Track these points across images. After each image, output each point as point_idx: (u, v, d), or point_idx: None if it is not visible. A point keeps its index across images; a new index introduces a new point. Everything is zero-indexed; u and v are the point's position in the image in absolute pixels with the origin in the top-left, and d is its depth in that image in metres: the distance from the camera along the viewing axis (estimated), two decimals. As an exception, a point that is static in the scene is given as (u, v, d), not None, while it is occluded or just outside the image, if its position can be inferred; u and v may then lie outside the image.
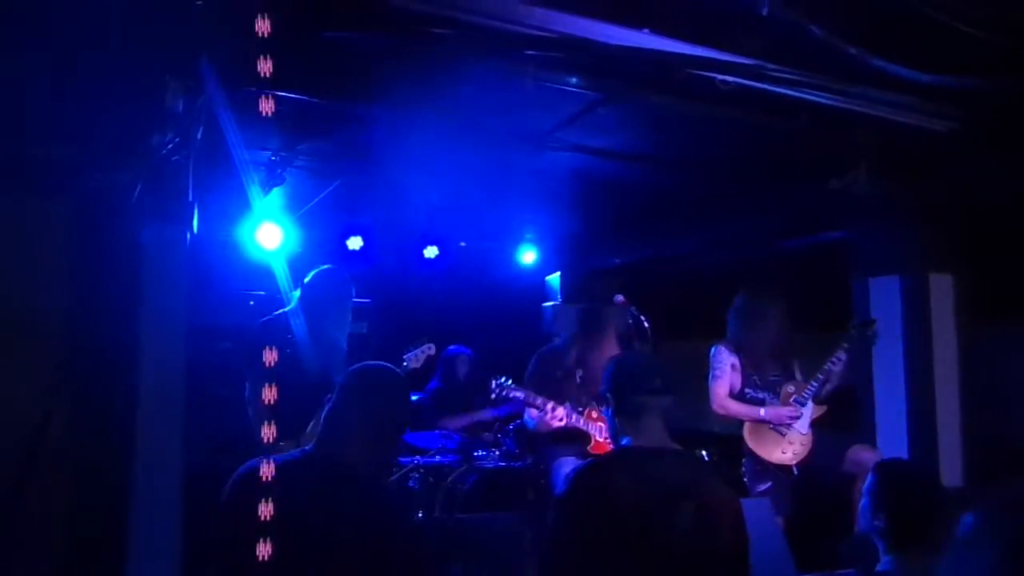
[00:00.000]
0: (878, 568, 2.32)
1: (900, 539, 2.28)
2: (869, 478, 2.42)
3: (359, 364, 2.35)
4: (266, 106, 2.31)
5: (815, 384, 4.42)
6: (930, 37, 3.03)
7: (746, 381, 4.52)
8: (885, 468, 2.46)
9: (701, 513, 2.20)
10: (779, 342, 4.50)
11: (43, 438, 2.68)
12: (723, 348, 4.56)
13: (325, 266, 4.18)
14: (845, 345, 4.46)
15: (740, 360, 4.52)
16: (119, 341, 2.81)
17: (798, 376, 4.56)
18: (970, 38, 2.94)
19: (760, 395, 4.50)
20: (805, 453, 4.39)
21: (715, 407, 4.53)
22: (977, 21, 2.84)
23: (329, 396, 2.26)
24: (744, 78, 3.21)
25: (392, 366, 2.37)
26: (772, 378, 4.52)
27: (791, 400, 4.44)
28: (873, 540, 2.36)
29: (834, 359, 4.43)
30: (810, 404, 4.44)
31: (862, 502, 2.40)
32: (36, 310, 2.75)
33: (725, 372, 4.52)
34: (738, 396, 4.51)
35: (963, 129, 3.81)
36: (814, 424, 4.44)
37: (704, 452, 5.41)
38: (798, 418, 4.40)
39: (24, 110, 2.67)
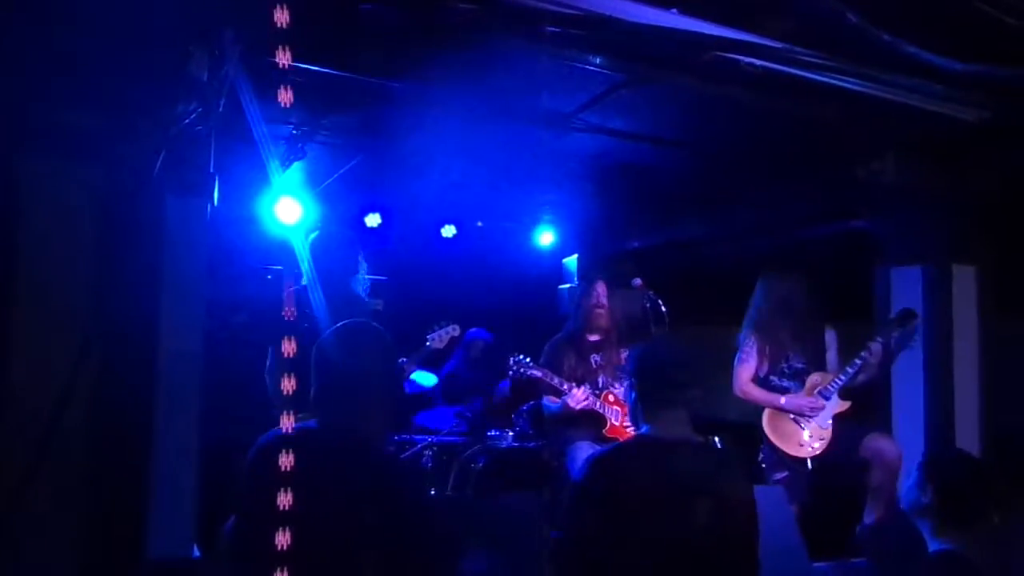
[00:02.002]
0: (929, 550, 2.29)
1: (947, 516, 2.25)
2: (921, 458, 2.40)
3: (331, 329, 2.25)
4: (288, 79, 2.29)
5: (843, 378, 4.29)
6: (965, 25, 2.97)
7: (772, 368, 4.44)
8: (935, 449, 2.50)
9: (715, 508, 2.22)
10: (800, 326, 4.40)
11: (65, 406, 2.70)
12: (752, 332, 4.49)
13: (316, 232, 4.16)
14: (879, 338, 4.34)
15: (768, 346, 4.43)
16: (140, 311, 2.82)
17: (829, 368, 4.44)
18: (1007, 27, 2.88)
19: (785, 383, 4.42)
20: (823, 448, 4.28)
21: (736, 391, 4.47)
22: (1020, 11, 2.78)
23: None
24: (773, 62, 3.16)
25: (365, 321, 2.31)
26: (799, 367, 4.43)
27: (815, 392, 4.34)
28: (897, 525, 2.35)
29: (865, 352, 4.29)
30: (834, 398, 4.32)
31: (908, 481, 2.37)
32: (60, 278, 2.76)
33: (751, 356, 4.45)
34: (762, 382, 4.44)
35: (994, 119, 3.75)
36: (836, 418, 4.32)
37: (716, 439, 5.39)
38: (819, 411, 4.30)
39: (52, 77, 2.66)
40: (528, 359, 4.49)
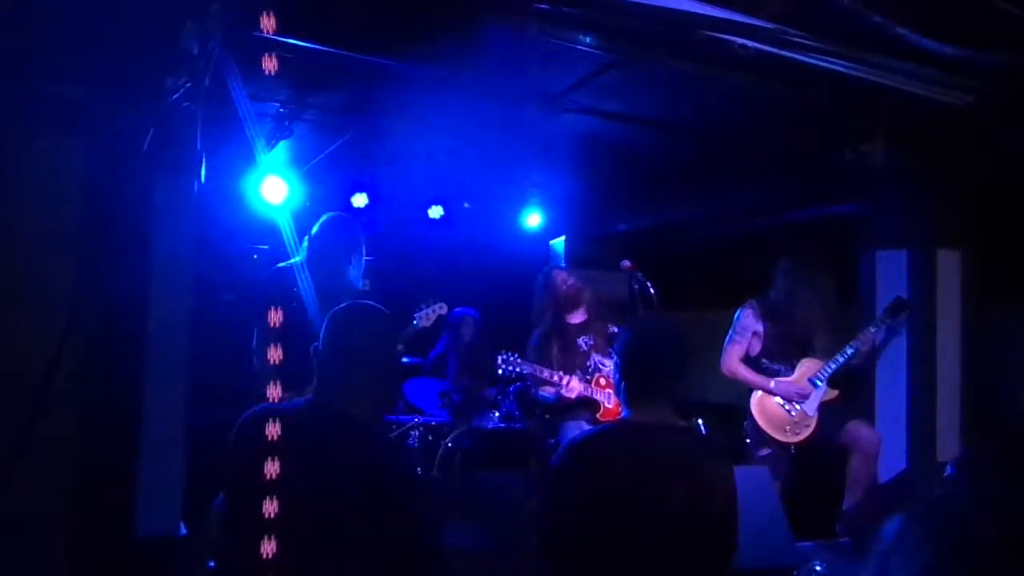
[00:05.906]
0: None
1: None
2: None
3: (337, 307, 2.24)
4: (273, 61, 2.27)
5: (834, 365, 4.28)
6: (955, 8, 2.98)
7: (765, 350, 4.39)
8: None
9: (692, 490, 2.21)
10: (810, 316, 4.31)
11: (50, 385, 2.67)
12: (750, 312, 4.39)
13: (332, 213, 4.14)
14: (872, 329, 4.34)
15: (765, 327, 4.37)
16: (128, 288, 2.80)
17: (819, 355, 4.37)
18: (997, 11, 2.89)
19: (776, 366, 4.37)
20: (807, 435, 4.26)
21: (724, 369, 4.40)
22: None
23: (315, 345, 2.19)
24: (764, 43, 3.14)
25: (372, 303, 2.29)
26: (792, 351, 4.38)
27: (805, 379, 4.31)
28: (875, 510, 2.38)
29: (857, 341, 4.28)
30: (823, 386, 4.30)
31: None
32: (48, 254, 2.73)
33: (745, 337, 4.38)
34: (753, 363, 4.39)
35: (981, 103, 3.76)
36: (822, 406, 4.30)
37: (700, 421, 5.41)
38: (808, 397, 4.28)
39: (42, 49, 2.62)
40: (516, 356, 4.44)
